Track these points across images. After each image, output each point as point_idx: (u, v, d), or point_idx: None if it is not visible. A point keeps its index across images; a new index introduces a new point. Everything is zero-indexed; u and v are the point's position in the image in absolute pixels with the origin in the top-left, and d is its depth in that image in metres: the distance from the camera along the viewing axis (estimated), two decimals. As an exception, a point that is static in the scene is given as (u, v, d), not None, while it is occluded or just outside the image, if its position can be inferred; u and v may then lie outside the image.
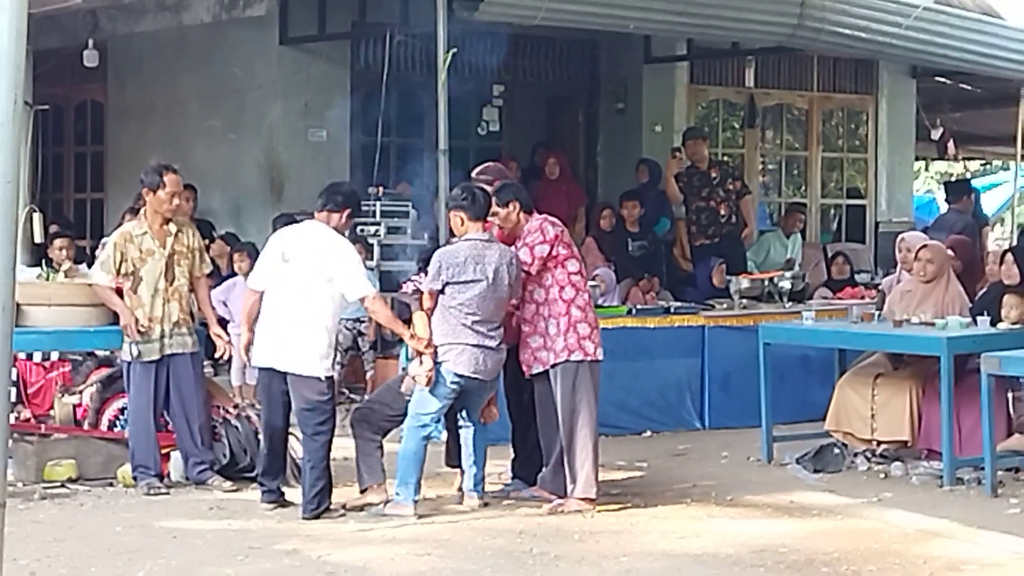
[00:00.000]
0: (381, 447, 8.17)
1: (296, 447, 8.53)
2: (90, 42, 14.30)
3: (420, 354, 7.98)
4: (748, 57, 15.71)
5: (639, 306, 11.60)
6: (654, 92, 15.54)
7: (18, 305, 8.70)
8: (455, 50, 10.78)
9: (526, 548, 7.25)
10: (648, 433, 10.92)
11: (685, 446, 10.46)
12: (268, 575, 6.84)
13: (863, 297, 12.44)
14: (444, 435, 8.49)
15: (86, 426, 9.26)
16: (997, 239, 21.22)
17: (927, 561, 7.03)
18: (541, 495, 8.37)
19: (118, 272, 8.85)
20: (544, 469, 8.41)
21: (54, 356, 9.76)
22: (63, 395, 9.43)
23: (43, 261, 10.51)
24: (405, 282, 8.75)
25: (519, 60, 15.25)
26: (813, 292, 13.40)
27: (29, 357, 9.67)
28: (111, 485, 8.83)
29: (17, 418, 9.28)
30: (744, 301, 11.71)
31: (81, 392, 9.42)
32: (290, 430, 8.36)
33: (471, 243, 8.04)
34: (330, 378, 8.13)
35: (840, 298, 12.78)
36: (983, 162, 27.67)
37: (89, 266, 10.72)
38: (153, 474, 8.70)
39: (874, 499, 8.55)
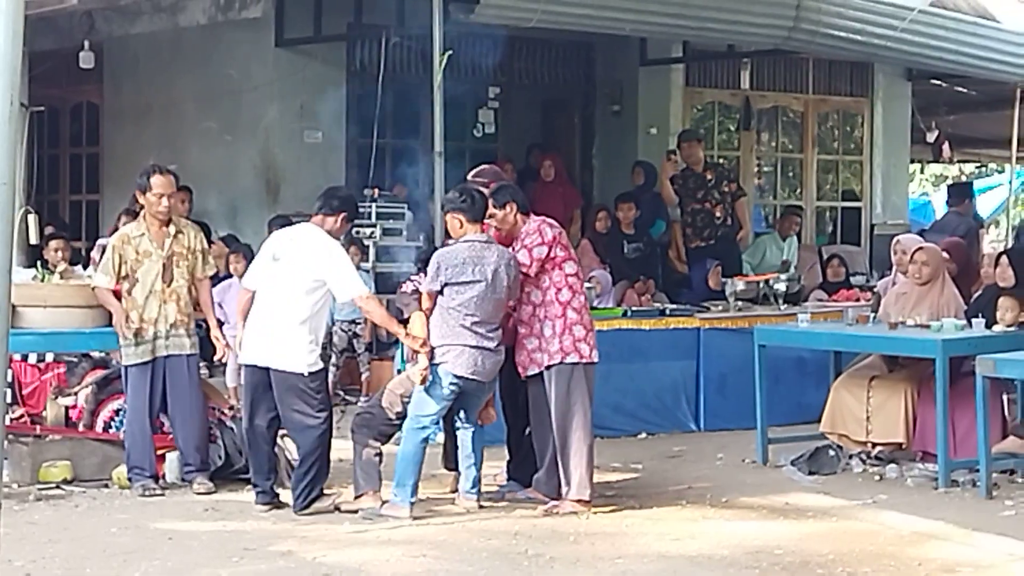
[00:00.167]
0: (380, 455, 8.16)
1: (290, 447, 8.53)
2: (86, 44, 14.31)
3: (417, 353, 7.99)
4: (744, 60, 15.74)
5: (634, 308, 11.60)
6: (650, 94, 15.56)
7: (13, 306, 8.73)
8: (450, 52, 10.79)
9: (521, 550, 7.25)
10: (643, 435, 10.93)
11: (680, 448, 10.46)
12: (263, 576, 6.85)
13: (858, 299, 12.44)
14: (440, 437, 8.49)
15: (81, 428, 9.26)
16: (992, 241, 21.23)
17: (922, 563, 7.04)
18: (536, 497, 8.38)
19: (118, 274, 8.84)
20: (539, 471, 8.41)
21: (49, 357, 9.76)
22: (56, 397, 9.43)
23: (39, 263, 10.50)
24: (404, 282, 8.75)
25: (515, 62, 15.26)
26: (808, 294, 13.42)
27: (24, 358, 9.66)
28: (106, 486, 8.83)
29: (13, 419, 9.26)
30: (739, 303, 11.71)
31: (76, 394, 9.42)
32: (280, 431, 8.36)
33: (470, 244, 8.05)
34: (316, 373, 8.10)
35: (835, 300, 12.79)
36: (978, 165, 27.70)
37: (84, 268, 10.74)
38: (148, 475, 8.69)
39: (869, 501, 8.55)
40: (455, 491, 8.42)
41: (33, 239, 11.34)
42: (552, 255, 8.23)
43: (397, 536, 7.56)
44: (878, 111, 17.17)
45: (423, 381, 7.95)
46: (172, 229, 8.92)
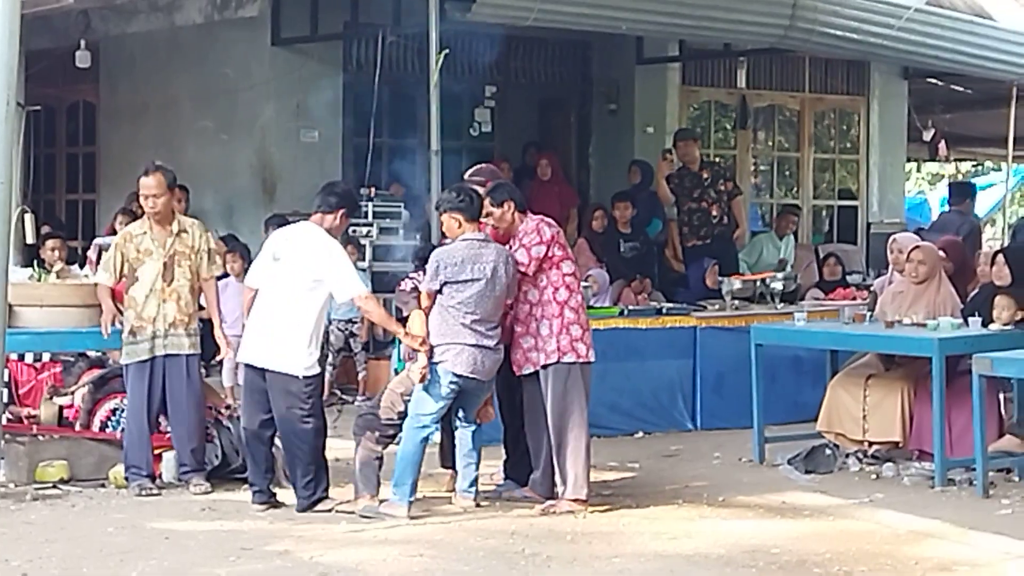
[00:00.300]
0: (380, 459, 8.16)
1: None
2: (82, 43, 14.31)
3: (416, 352, 7.99)
4: (740, 58, 15.73)
5: (631, 307, 11.60)
6: (646, 93, 15.56)
7: (10, 306, 8.74)
8: (447, 51, 10.79)
9: (518, 549, 7.26)
10: (640, 434, 10.92)
11: (677, 447, 10.46)
12: (260, 576, 6.85)
13: (855, 298, 12.45)
14: (438, 436, 8.49)
15: (78, 427, 9.25)
16: (988, 240, 21.24)
17: (918, 562, 7.04)
18: (533, 497, 8.38)
19: (120, 272, 8.84)
20: (534, 472, 8.41)
21: (45, 357, 9.75)
22: (51, 396, 9.42)
23: (35, 262, 10.50)
24: (403, 280, 8.75)
25: (511, 61, 15.27)
26: (805, 293, 13.42)
27: (21, 358, 9.66)
28: (103, 486, 8.81)
29: (9, 419, 9.25)
30: (736, 302, 11.71)
31: (73, 393, 9.41)
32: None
33: (468, 243, 8.06)
34: (311, 377, 8.09)
35: (832, 299, 12.79)
36: (974, 163, 27.71)
37: (81, 267, 10.73)
38: (145, 475, 8.68)
39: (866, 500, 8.55)
40: (452, 490, 8.42)
41: (29, 239, 11.33)
42: (550, 254, 8.23)
43: (394, 535, 7.56)
44: (874, 110, 17.17)
45: (422, 379, 7.95)
46: (175, 228, 8.86)
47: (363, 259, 12.20)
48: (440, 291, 8.01)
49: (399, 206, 12.92)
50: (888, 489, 8.85)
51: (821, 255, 15.20)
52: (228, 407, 9.50)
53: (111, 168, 15.16)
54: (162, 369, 8.77)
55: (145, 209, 8.87)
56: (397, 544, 7.36)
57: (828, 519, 8.09)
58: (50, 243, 11.60)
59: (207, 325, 9.12)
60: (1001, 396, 9.12)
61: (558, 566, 6.98)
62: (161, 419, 8.93)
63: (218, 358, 9.34)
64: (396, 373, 9.77)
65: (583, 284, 9.14)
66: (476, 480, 8.32)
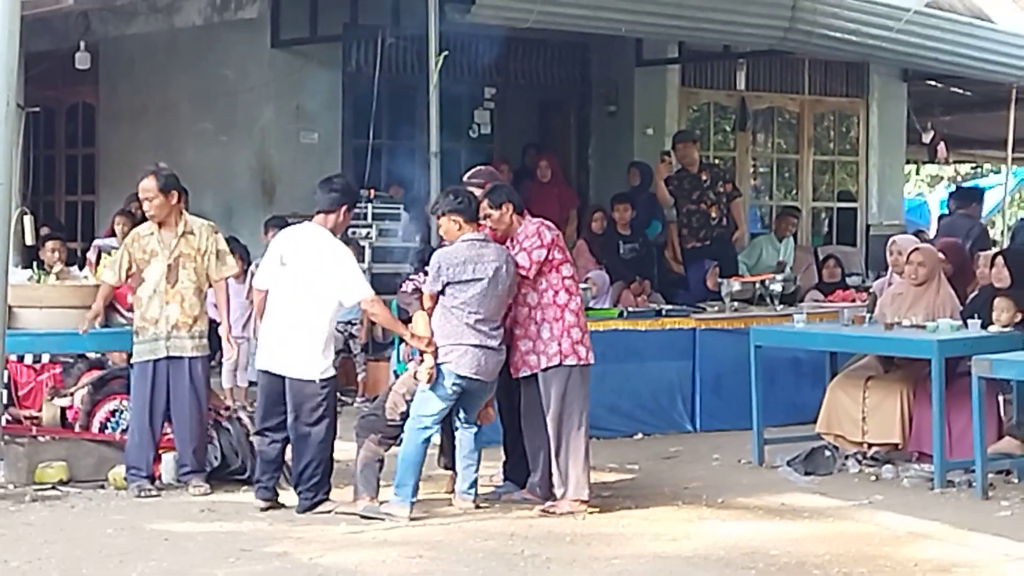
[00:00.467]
0: (382, 461, 8.16)
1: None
2: (82, 44, 14.31)
3: (422, 353, 7.99)
4: (739, 60, 15.74)
5: (630, 309, 11.61)
6: (646, 95, 15.57)
7: (9, 307, 8.74)
8: (446, 53, 10.79)
9: (517, 550, 7.26)
10: (639, 435, 10.92)
11: (676, 448, 10.46)
12: (259, 577, 6.85)
13: (854, 300, 12.44)
14: (437, 437, 8.48)
15: (77, 428, 9.25)
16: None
17: (918, 563, 7.04)
18: (532, 499, 8.38)
19: (126, 273, 8.83)
20: (533, 475, 8.41)
21: (45, 358, 9.75)
22: (52, 398, 9.42)
23: (34, 263, 10.50)
24: (404, 282, 8.75)
25: (511, 63, 15.27)
26: (804, 295, 13.42)
27: (20, 359, 9.66)
28: (102, 487, 8.81)
29: (9, 420, 9.25)
30: (735, 304, 11.71)
31: (72, 394, 9.41)
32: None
33: (469, 243, 8.06)
34: (327, 380, 8.10)
35: (831, 301, 12.78)
36: (974, 165, 27.72)
37: (80, 268, 10.74)
38: (144, 476, 8.67)
39: (865, 501, 8.55)
40: (451, 491, 8.42)
41: (29, 240, 11.33)
42: (550, 257, 8.24)
43: (393, 537, 7.56)
44: (874, 112, 17.18)
45: (429, 380, 7.95)
46: (180, 230, 8.84)
47: (362, 260, 12.19)
48: (442, 292, 8.01)
49: (398, 208, 12.92)
50: (887, 491, 8.85)
51: (820, 257, 15.21)
52: (227, 408, 9.50)
53: (110, 170, 15.17)
54: (165, 371, 8.75)
55: (147, 210, 8.87)
56: (396, 545, 7.36)
57: (827, 521, 8.09)
58: (49, 244, 11.60)
59: (215, 324, 9.11)
60: (1000, 398, 9.12)
61: (557, 567, 6.98)
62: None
63: (225, 358, 9.30)
64: (395, 374, 9.79)
65: (582, 286, 9.14)
66: (476, 482, 8.32)
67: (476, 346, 7.97)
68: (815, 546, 7.38)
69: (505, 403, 8.59)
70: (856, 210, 17.32)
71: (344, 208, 8.23)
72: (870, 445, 9.48)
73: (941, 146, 19.28)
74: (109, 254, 10.47)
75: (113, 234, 12.63)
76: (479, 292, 7.97)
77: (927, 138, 18.77)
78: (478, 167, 9.26)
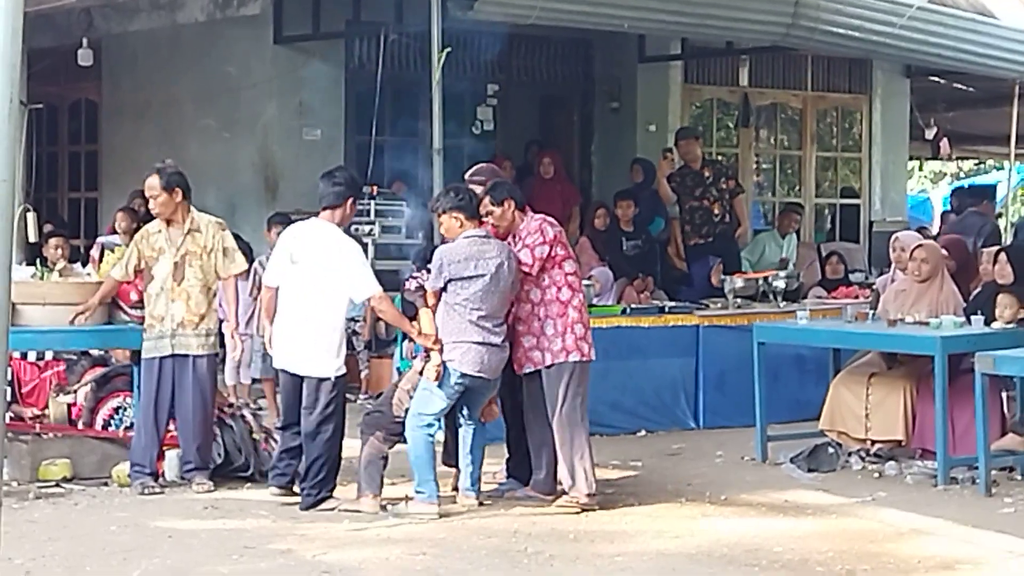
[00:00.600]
0: (386, 458, 8.16)
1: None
2: (84, 41, 14.30)
3: (428, 351, 7.99)
4: (742, 56, 15.74)
5: (633, 305, 11.61)
6: (648, 91, 15.56)
7: (13, 304, 8.72)
8: (449, 49, 10.78)
9: (521, 548, 7.26)
10: (642, 432, 10.92)
11: (679, 445, 10.46)
12: (263, 575, 6.84)
13: (857, 296, 12.45)
14: (440, 435, 8.49)
15: (80, 425, 9.26)
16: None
17: (921, 560, 7.04)
18: (535, 496, 8.38)
19: (135, 269, 8.84)
20: (536, 472, 8.41)
21: (48, 355, 9.76)
22: (58, 394, 9.43)
23: (38, 260, 10.50)
24: (408, 279, 8.75)
25: (514, 59, 15.27)
26: (807, 291, 13.42)
27: (23, 356, 9.66)
28: (106, 484, 8.82)
29: (12, 418, 9.25)
30: (738, 300, 11.71)
31: (76, 391, 9.42)
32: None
33: (470, 240, 8.06)
34: (340, 377, 8.13)
35: (834, 297, 12.80)
36: (977, 161, 27.71)
37: (84, 265, 10.73)
38: (148, 473, 8.67)
39: (868, 498, 8.55)
40: (455, 488, 8.42)
41: (32, 237, 11.34)
42: (553, 254, 8.23)
43: (396, 534, 7.56)
44: (877, 108, 17.18)
45: (437, 377, 7.95)
46: (186, 227, 8.83)
47: (365, 257, 12.17)
48: (445, 288, 8.01)
49: (401, 204, 12.91)
50: (890, 488, 8.85)
51: (823, 253, 15.20)
52: (231, 405, 9.50)
53: (113, 166, 15.17)
54: (171, 368, 8.75)
55: (153, 208, 8.88)
56: (400, 543, 7.36)
57: (831, 518, 8.09)
58: (53, 241, 11.60)
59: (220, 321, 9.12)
60: (1004, 394, 9.12)
61: (561, 564, 6.98)
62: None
63: (229, 355, 9.30)
64: (399, 371, 9.78)
65: (585, 283, 9.14)
66: (479, 479, 8.32)
67: (479, 343, 7.97)
68: (818, 543, 7.38)
69: (508, 400, 8.60)
70: (859, 206, 17.32)
71: (350, 201, 8.26)
72: (873, 442, 9.48)
73: (944, 142, 19.29)
74: (112, 251, 10.50)
75: (115, 231, 12.63)
76: (481, 289, 7.97)
77: (930, 134, 18.78)
78: (479, 165, 9.25)
